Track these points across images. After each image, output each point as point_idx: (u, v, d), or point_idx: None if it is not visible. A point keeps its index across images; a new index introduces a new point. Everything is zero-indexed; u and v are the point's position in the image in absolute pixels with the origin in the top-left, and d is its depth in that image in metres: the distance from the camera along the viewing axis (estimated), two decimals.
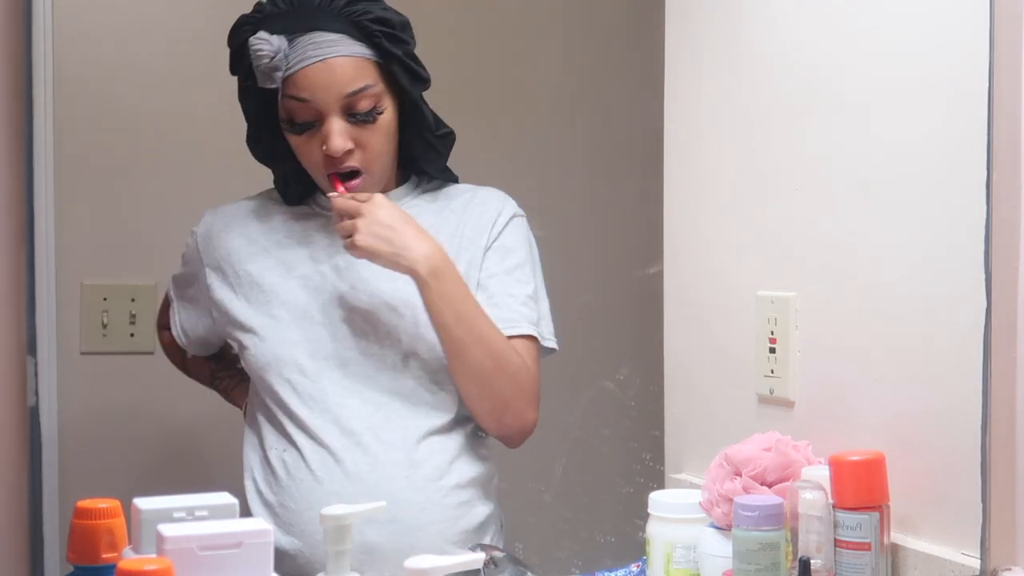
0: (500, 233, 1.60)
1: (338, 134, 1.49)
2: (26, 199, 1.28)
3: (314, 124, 1.50)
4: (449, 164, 1.64)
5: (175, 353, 1.68)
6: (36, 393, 1.27)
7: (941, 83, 1.38)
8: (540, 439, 1.65)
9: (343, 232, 1.49)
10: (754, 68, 1.63)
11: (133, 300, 1.72)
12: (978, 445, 1.33)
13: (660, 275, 1.78)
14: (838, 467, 1.34)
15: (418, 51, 1.56)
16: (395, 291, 1.54)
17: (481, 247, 1.58)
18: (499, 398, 1.53)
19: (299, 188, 1.59)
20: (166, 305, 1.66)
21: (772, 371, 1.57)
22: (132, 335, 1.71)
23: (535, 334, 1.57)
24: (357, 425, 1.50)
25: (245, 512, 1.50)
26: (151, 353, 1.71)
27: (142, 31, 1.73)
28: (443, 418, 1.54)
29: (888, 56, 1.44)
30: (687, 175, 1.75)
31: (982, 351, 1.33)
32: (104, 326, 1.70)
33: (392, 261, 1.48)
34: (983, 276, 1.33)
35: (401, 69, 1.52)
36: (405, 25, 1.54)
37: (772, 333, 1.57)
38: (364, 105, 1.50)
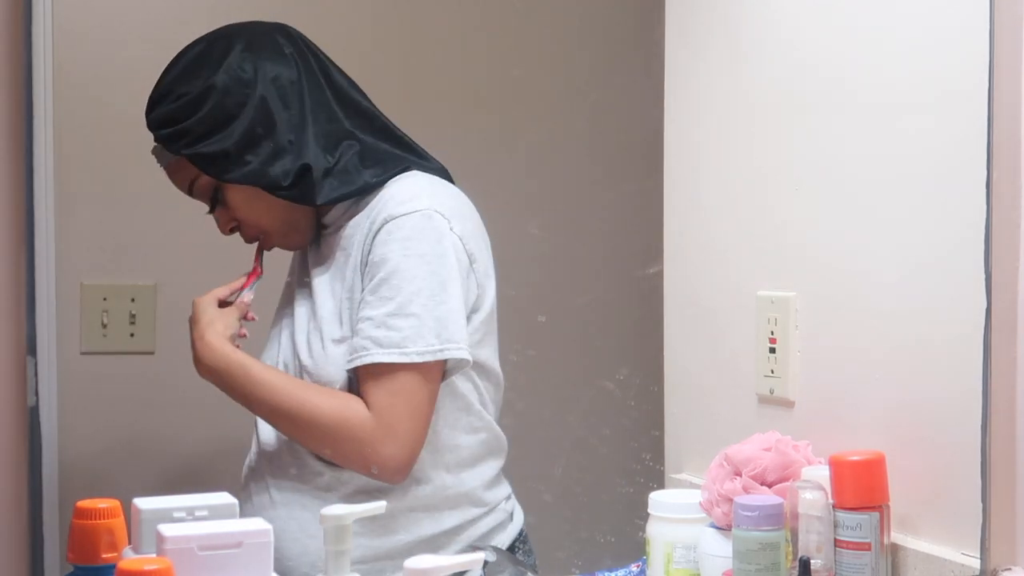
0: (371, 248, 1.49)
1: (216, 220, 1.56)
2: (26, 199, 1.28)
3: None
4: (450, 165, 1.64)
5: None
6: (36, 393, 1.27)
7: (941, 83, 1.38)
8: (540, 439, 1.64)
9: None
10: (754, 68, 1.63)
11: (133, 300, 1.71)
12: (978, 445, 1.33)
13: (660, 275, 1.78)
14: (838, 467, 1.34)
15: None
16: (307, 311, 1.55)
17: (359, 266, 1.50)
18: (326, 452, 1.49)
19: None
20: None
21: (772, 371, 1.57)
22: (132, 335, 1.71)
23: (385, 360, 1.44)
24: (257, 447, 1.56)
25: None
26: (151, 353, 1.70)
27: (142, 31, 1.73)
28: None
29: (888, 56, 1.44)
30: (687, 175, 1.75)
31: (982, 351, 1.33)
32: (104, 326, 1.69)
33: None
34: (983, 276, 1.33)
35: (193, 157, 1.51)
36: (195, 103, 1.50)
37: (772, 333, 1.57)
38: (205, 195, 1.55)
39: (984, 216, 1.33)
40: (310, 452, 1.51)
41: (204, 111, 1.49)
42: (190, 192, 1.55)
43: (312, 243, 1.59)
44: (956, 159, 1.37)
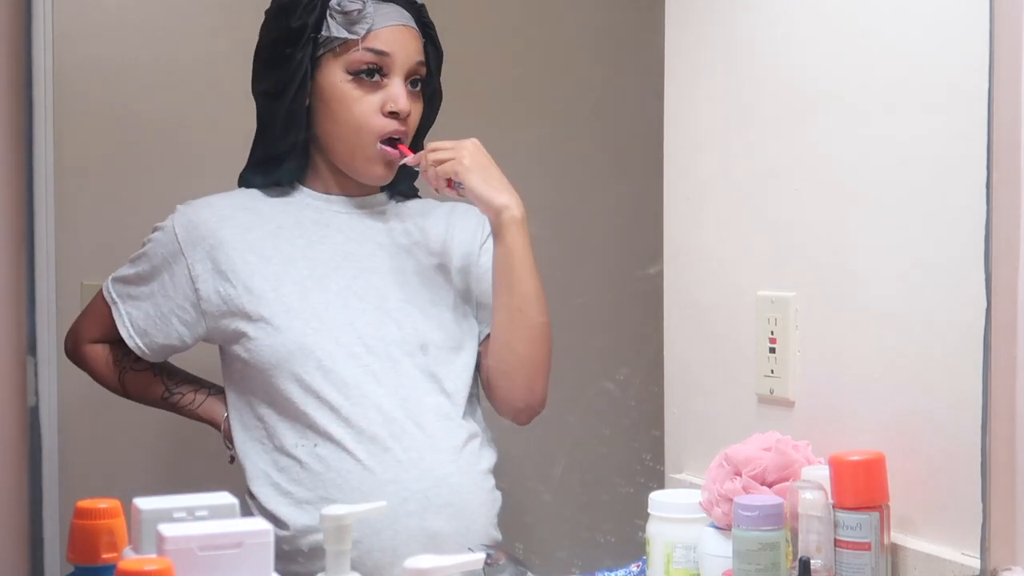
0: (488, 237, 1.62)
1: (404, 95, 1.58)
2: (26, 199, 1.28)
3: (376, 77, 1.57)
4: None
5: (111, 370, 1.62)
6: (36, 393, 1.27)
7: (941, 83, 1.38)
8: (540, 439, 1.65)
9: (441, 158, 1.56)
10: (754, 68, 1.63)
11: None
12: (978, 445, 1.33)
13: (660, 275, 1.78)
14: (838, 467, 1.34)
15: None
16: (403, 281, 1.55)
17: (477, 244, 1.64)
18: (541, 363, 1.60)
19: (295, 164, 1.61)
20: (98, 314, 1.60)
21: (772, 371, 1.57)
22: None
23: None
24: (396, 412, 1.52)
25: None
26: None
27: (142, 31, 1.73)
28: (463, 405, 1.57)
29: (888, 56, 1.44)
30: (687, 175, 1.75)
31: (982, 351, 1.33)
32: None
33: (487, 197, 1.55)
34: (983, 276, 1.33)
35: (437, 67, 1.64)
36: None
37: (772, 333, 1.57)
38: (419, 76, 1.61)
39: (984, 216, 1.33)
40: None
41: None
42: (416, 60, 1.59)
43: (364, 214, 1.63)
44: (956, 159, 1.36)
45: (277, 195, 1.61)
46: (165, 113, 1.72)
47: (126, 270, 1.59)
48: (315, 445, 1.50)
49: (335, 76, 1.56)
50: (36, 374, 1.27)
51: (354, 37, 1.55)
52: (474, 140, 1.57)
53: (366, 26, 1.55)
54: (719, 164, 1.69)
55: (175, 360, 1.63)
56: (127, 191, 1.71)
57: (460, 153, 1.55)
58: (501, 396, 1.61)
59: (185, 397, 1.62)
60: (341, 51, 1.56)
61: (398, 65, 1.57)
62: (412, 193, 1.69)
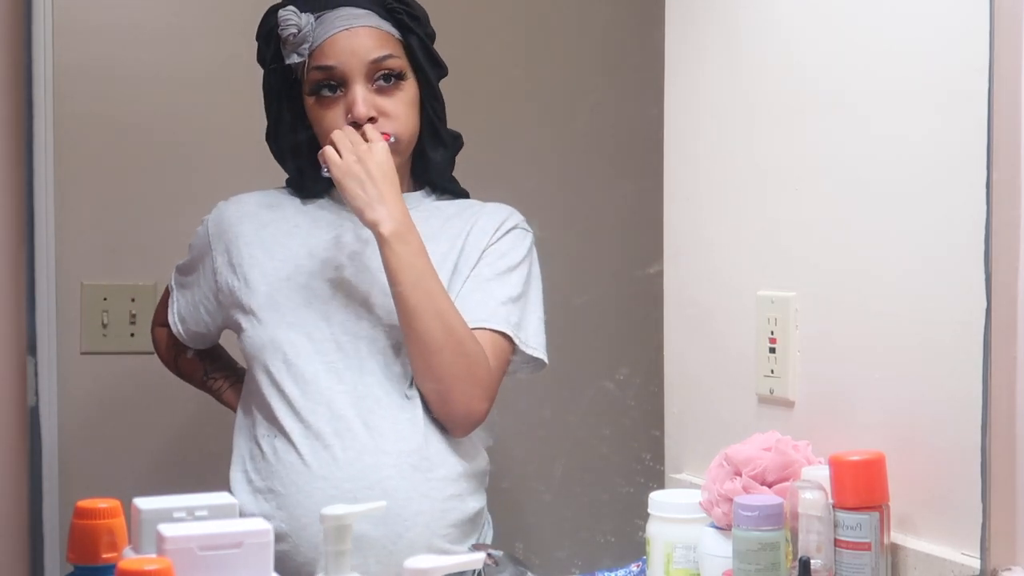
0: (500, 238, 1.61)
1: (362, 101, 1.54)
2: (26, 199, 1.28)
3: (339, 91, 1.55)
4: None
5: (169, 352, 1.69)
6: (36, 393, 1.27)
7: (941, 83, 1.38)
8: (540, 439, 1.65)
9: (328, 153, 1.50)
10: (754, 68, 1.63)
11: (133, 300, 1.72)
12: (978, 445, 1.33)
13: (660, 275, 1.78)
14: (838, 467, 1.34)
15: None
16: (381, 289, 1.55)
17: (479, 249, 1.60)
18: (447, 376, 1.51)
19: (315, 184, 1.61)
20: (165, 299, 1.68)
21: (772, 371, 1.57)
22: (132, 335, 1.71)
23: (506, 332, 1.56)
24: (347, 411, 1.51)
25: None
26: (151, 353, 1.71)
27: (142, 31, 1.73)
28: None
29: (888, 56, 1.44)
30: (687, 175, 1.75)
31: (982, 351, 1.33)
32: (104, 326, 1.70)
33: (358, 209, 1.50)
34: (983, 276, 1.33)
35: (421, 47, 1.59)
36: (425, 16, 1.61)
37: (772, 333, 1.57)
38: (387, 71, 1.56)
39: (984, 216, 1.33)
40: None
41: (432, 35, 1.62)
42: (371, 59, 1.55)
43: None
44: (956, 159, 1.37)
45: (306, 196, 1.64)
46: (165, 113, 1.72)
47: (182, 260, 1.66)
48: (275, 436, 1.52)
49: (307, 100, 1.58)
50: (36, 374, 1.27)
51: (302, 59, 1.55)
52: (376, 147, 1.51)
53: (308, 46, 1.54)
54: (719, 164, 1.69)
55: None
56: (127, 191, 1.71)
57: (342, 158, 1.50)
58: (428, 405, 1.55)
59: (217, 382, 1.69)
60: (302, 75, 1.57)
61: (349, 72, 1.54)
62: (461, 192, 1.67)
